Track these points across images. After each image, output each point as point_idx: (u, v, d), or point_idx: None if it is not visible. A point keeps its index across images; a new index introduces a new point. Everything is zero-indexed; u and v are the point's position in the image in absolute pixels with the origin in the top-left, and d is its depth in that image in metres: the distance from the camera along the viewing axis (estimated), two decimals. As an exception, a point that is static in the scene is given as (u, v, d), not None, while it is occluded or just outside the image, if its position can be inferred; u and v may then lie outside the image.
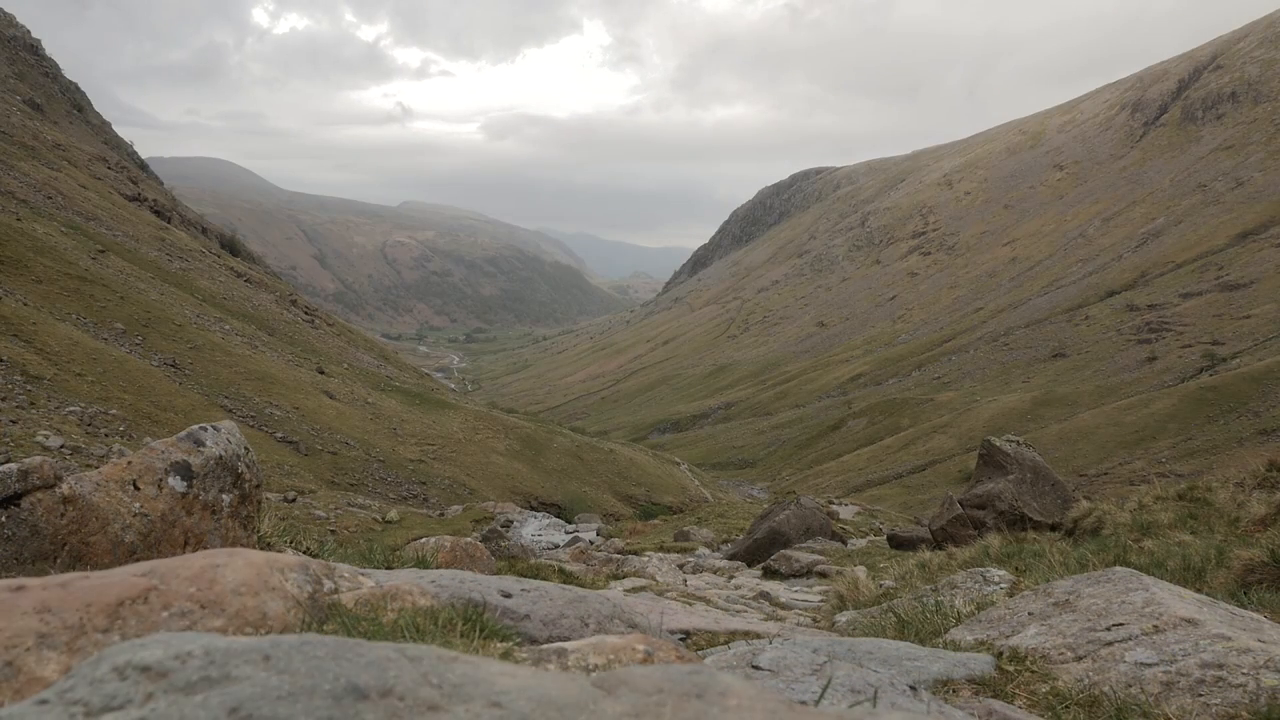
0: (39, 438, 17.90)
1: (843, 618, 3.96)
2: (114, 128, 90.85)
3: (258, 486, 2.98)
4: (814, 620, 4.34)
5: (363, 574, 1.36)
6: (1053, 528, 8.36)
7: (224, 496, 2.78)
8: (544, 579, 3.23)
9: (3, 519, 2.22)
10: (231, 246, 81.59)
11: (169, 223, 65.26)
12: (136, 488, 2.49)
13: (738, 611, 5.08)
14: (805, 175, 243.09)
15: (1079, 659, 1.29)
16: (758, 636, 1.59)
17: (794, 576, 10.14)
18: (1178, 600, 1.39)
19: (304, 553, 3.18)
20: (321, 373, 46.14)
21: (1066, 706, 1.18)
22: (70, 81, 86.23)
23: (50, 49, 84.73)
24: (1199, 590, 1.91)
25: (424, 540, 5.87)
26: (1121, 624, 1.32)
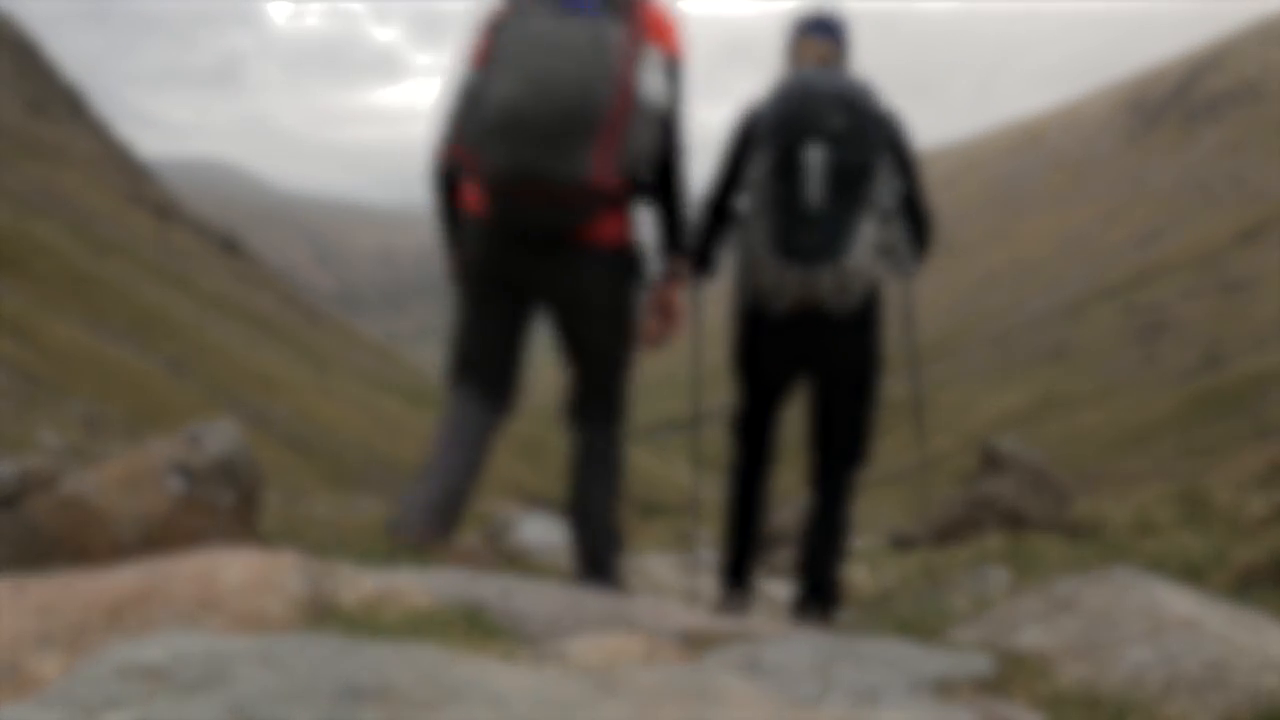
0: (39, 438, 17.90)
1: (843, 618, 3.96)
2: (116, 128, 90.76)
3: (257, 486, 2.98)
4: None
5: (363, 574, 1.36)
6: (1053, 528, 8.36)
7: (224, 496, 2.77)
8: (544, 579, 3.23)
9: (3, 519, 2.22)
10: (232, 246, 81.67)
11: (169, 223, 65.28)
12: (136, 488, 2.49)
13: (738, 611, 5.07)
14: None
15: (1079, 659, 1.29)
16: (758, 636, 1.60)
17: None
18: (1178, 600, 1.39)
19: (304, 553, 3.19)
20: (322, 373, 46.17)
21: (1067, 707, 1.18)
22: (71, 81, 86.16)
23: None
24: (1199, 590, 1.92)
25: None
26: (1122, 624, 1.32)
